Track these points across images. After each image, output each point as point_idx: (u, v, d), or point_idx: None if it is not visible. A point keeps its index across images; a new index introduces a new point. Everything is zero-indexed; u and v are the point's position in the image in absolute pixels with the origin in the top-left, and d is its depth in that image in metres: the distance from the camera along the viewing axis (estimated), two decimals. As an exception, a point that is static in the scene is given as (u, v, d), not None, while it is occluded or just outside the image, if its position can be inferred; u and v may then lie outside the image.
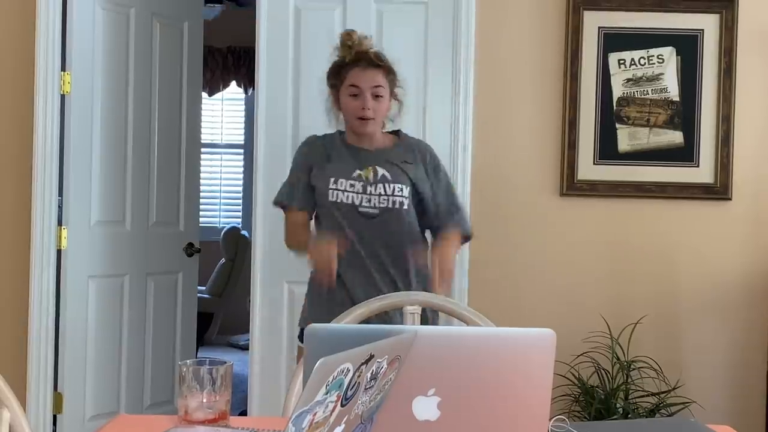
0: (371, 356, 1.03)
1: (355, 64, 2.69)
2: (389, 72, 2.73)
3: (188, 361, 1.55)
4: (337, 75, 2.74)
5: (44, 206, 3.43)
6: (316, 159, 2.76)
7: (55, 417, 3.49)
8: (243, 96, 7.36)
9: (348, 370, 0.98)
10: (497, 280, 3.47)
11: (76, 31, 3.49)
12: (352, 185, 2.67)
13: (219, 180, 7.49)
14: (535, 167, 3.49)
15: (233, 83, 7.28)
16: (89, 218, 3.61)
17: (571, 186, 3.47)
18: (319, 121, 3.50)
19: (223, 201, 7.55)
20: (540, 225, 3.49)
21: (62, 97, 3.48)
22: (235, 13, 6.54)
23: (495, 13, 3.48)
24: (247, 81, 7.15)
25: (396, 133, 2.83)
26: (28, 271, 3.42)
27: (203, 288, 6.14)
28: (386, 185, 2.67)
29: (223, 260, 6.51)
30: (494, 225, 3.48)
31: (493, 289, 3.46)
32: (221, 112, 7.50)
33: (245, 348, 6.87)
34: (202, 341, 6.12)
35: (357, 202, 2.66)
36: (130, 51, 3.77)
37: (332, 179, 2.69)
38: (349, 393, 1.01)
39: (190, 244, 4.13)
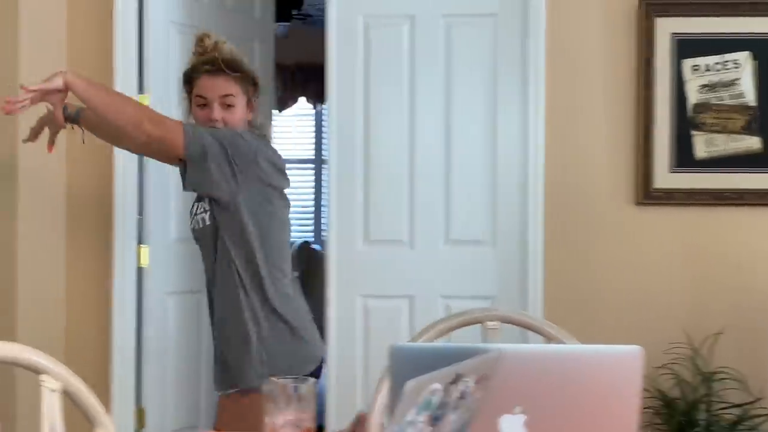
0: (458, 376, 1.05)
1: (204, 71, 2.53)
2: (243, 79, 2.56)
3: (273, 378, 1.58)
4: (187, 83, 2.59)
5: (125, 225, 3.52)
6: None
7: (138, 432, 3.57)
8: (312, 111, 7.44)
9: (437, 391, 0.99)
10: (572, 291, 3.44)
11: (153, 53, 3.58)
12: (196, 207, 2.61)
13: (291, 195, 7.58)
14: (609, 176, 3.45)
15: (302, 99, 7.36)
16: (168, 236, 3.69)
17: (647, 194, 3.42)
18: (391, 136, 3.55)
19: (294, 215, 7.63)
20: (616, 235, 3.45)
21: (140, 118, 3.57)
22: (301, 30, 6.62)
23: (565, 22, 3.46)
24: (316, 96, 7.23)
25: None
26: (110, 288, 3.50)
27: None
28: (196, 204, 2.63)
29: (296, 274, 6.57)
30: (568, 235, 3.45)
31: (568, 300, 3.43)
32: (291, 128, 7.59)
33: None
34: (276, 355, 6.18)
35: (190, 227, 2.65)
36: (203, 72, 3.85)
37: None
38: (438, 413, 1.02)
39: (265, 260, 4.18)
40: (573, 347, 1.34)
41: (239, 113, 2.54)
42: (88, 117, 2.60)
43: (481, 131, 3.51)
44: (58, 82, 2.34)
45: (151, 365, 3.59)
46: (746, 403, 3.23)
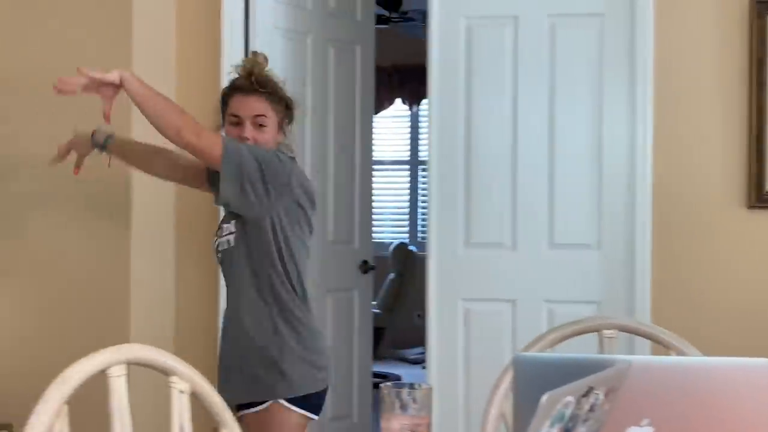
0: (590, 389, 1.04)
1: (238, 90, 2.60)
2: (276, 101, 2.62)
3: (389, 383, 1.60)
4: (222, 102, 2.67)
5: (230, 227, 3.59)
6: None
7: (243, 429, 3.64)
8: (408, 113, 7.46)
9: (570, 403, 0.99)
10: (680, 297, 3.36)
11: (258, 59, 3.65)
12: (220, 228, 2.67)
13: (386, 196, 7.63)
14: (719, 179, 3.36)
15: (398, 101, 7.40)
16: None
17: (760, 197, 3.32)
18: (493, 138, 3.54)
19: (389, 217, 7.68)
20: (726, 239, 3.35)
21: (246, 122, 3.64)
22: (398, 32, 6.65)
23: (674, 21, 3.38)
24: (412, 98, 7.25)
25: None
26: (217, 282, 3.58)
27: (373, 303, 6.26)
28: (223, 225, 2.66)
29: (392, 275, 6.61)
30: (677, 239, 3.38)
31: (676, 306, 3.35)
32: (387, 130, 7.64)
33: (415, 362, 6.95)
34: (373, 355, 6.24)
35: (216, 247, 2.68)
36: (307, 76, 3.91)
37: (219, 226, 2.69)
38: (569, 425, 1.01)
39: (365, 262, 4.23)
40: (701, 359, 1.31)
41: (270, 134, 2.59)
42: (118, 144, 2.73)
43: (586, 133, 3.47)
44: (114, 76, 2.43)
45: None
46: None
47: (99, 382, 1.31)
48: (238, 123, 2.57)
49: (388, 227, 7.65)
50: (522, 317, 3.48)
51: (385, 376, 6.51)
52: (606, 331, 1.70)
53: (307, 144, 3.92)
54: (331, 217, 4.04)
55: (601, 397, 1.07)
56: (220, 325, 2.78)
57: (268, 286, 2.57)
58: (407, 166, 7.53)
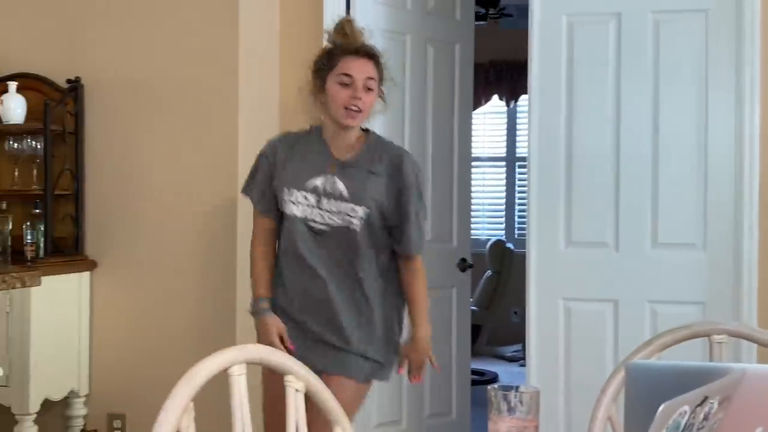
0: (706, 398, 1.04)
1: (350, 51, 2.57)
2: (381, 66, 2.61)
3: (496, 385, 1.61)
4: (327, 60, 2.59)
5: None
6: (277, 158, 2.63)
7: (345, 424, 3.71)
8: (505, 109, 7.43)
9: (685, 413, 0.99)
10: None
11: (359, 60, 3.70)
12: (305, 197, 2.55)
13: (482, 193, 7.61)
14: (831, 179, 3.26)
15: (495, 97, 7.38)
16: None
17: None
18: (595, 135, 3.50)
19: (486, 213, 7.66)
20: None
21: (347, 122, 3.70)
22: (496, 28, 6.63)
23: (783, 16, 3.29)
24: (509, 94, 7.22)
25: (365, 131, 2.67)
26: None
27: (470, 300, 6.26)
28: (342, 203, 2.53)
29: (488, 273, 6.60)
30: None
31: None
32: (483, 126, 7.62)
33: (512, 359, 6.93)
34: (471, 352, 6.25)
35: (309, 216, 2.54)
36: (406, 75, 3.94)
37: (286, 189, 2.56)
38: (684, 434, 1.02)
39: (463, 260, 4.24)
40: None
41: (374, 98, 2.59)
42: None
43: (691, 131, 3.41)
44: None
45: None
46: None
47: (216, 381, 1.36)
48: (349, 84, 2.54)
49: (485, 224, 7.64)
50: (624, 317, 3.45)
51: (482, 374, 6.52)
52: (716, 336, 1.68)
53: (406, 143, 3.96)
54: (429, 215, 4.06)
55: (716, 406, 1.07)
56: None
57: (386, 262, 2.67)
58: (504, 163, 7.50)
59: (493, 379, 6.47)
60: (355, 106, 2.53)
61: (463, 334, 4.26)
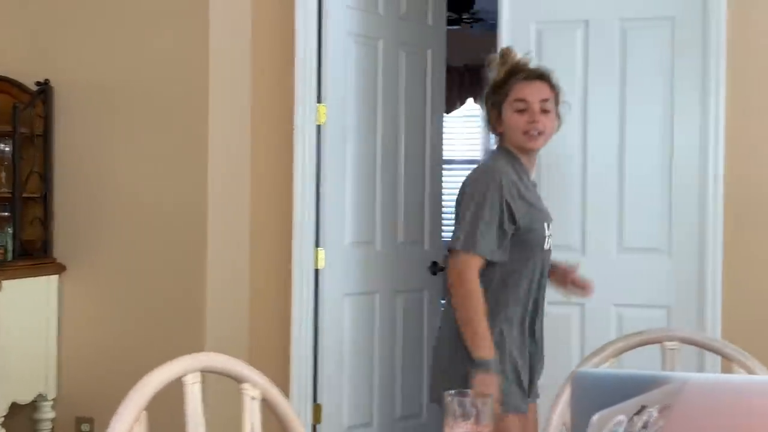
0: (643, 407, 1.07)
1: (520, 78, 2.55)
2: (554, 86, 2.58)
3: (452, 391, 1.64)
4: (499, 91, 2.57)
5: (303, 229, 3.68)
6: (512, 194, 2.48)
7: (315, 427, 3.73)
8: (480, 112, 7.47)
9: (622, 422, 1.02)
10: (753, 302, 3.32)
11: (331, 64, 3.72)
12: (550, 229, 2.58)
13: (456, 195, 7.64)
14: (794, 185, 3.31)
15: (470, 100, 7.40)
16: (343, 239, 3.83)
17: (837, 204, 3.26)
18: (563, 141, 3.53)
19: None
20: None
21: (318, 127, 3.71)
22: (469, 32, 6.66)
23: (747, 24, 3.34)
24: (484, 97, 7.25)
25: None
26: (290, 289, 3.68)
27: (442, 302, 6.28)
28: (550, 224, 2.60)
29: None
30: (749, 244, 3.33)
31: (748, 312, 3.31)
32: (458, 129, 7.65)
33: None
34: (443, 354, 6.26)
35: (550, 249, 2.60)
36: (378, 79, 3.97)
37: (545, 225, 2.54)
38: (622, 442, 1.04)
39: (434, 263, 4.27)
40: (756, 378, 1.32)
41: (553, 119, 2.56)
42: None
43: (657, 137, 3.45)
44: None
45: (327, 363, 3.73)
46: None
47: (174, 388, 1.38)
48: (524, 109, 2.51)
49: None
50: (590, 321, 3.48)
51: (455, 375, 6.53)
52: (668, 343, 1.71)
53: (378, 146, 3.98)
54: (401, 218, 4.10)
55: (655, 414, 1.10)
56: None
57: None
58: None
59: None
60: (534, 129, 2.51)
61: (434, 336, 4.27)
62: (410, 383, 4.08)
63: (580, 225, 3.51)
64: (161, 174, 3.55)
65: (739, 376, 1.18)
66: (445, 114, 7.34)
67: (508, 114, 2.54)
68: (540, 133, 2.52)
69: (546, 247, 2.56)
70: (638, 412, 1.05)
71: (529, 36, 3.57)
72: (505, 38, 3.58)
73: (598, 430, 0.97)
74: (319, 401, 3.71)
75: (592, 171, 3.50)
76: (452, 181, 7.53)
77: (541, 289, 2.60)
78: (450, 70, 7.18)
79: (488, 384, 2.35)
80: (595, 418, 0.96)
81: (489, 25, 6.08)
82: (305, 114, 3.67)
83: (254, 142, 3.73)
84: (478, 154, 7.54)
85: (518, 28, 3.57)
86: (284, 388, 3.63)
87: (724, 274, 3.33)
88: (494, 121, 2.60)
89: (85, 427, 3.60)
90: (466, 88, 7.33)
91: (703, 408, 1.19)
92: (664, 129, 3.43)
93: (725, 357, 1.68)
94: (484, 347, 2.38)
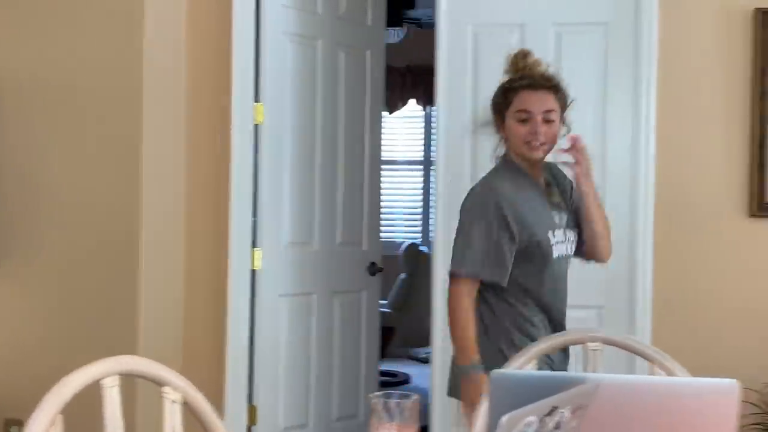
0: (554, 408, 1.09)
1: (524, 86, 2.51)
2: (560, 93, 2.54)
3: (378, 393, 1.65)
4: (503, 97, 2.55)
5: (239, 229, 3.66)
6: (509, 211, 2.48)
7: (249, 429, 3.71)
8: (422, 113, 7.50)
9: (532, 423, 1.03)
10: (682, 304, 3.39)
11: (268, 64, 3.71)
12: (563, 233, 2.53)
13: (399, 196, 7.67)
14: (721, 188, 3.39)
15: (412, 101, 7.43)
16: (281, 240, 3.82)
17: (761, 206, 3.35)
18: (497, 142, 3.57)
19: (402, 217, 7.72)
20: (728, 247, 3.38)
21: (255, 126, 3.70)
22: (413, 33, 6.68)
23: (678, 30, 3.41)
24: (426, 99, 7.28)
25: None
26: (225, 290, 3.65)
27: (384, 302, 6.30)
28: (568, 232, 2.55)
29: (403, 275, 6.66)
30: (678, 247, 3.41)
31: (677, 313, 3.39)
32: (400, 130, 7.68)
33: (425, 361, 6.99)
34: (383, 354, 6.29)
35: (563, 252, 2.53)
36: (317, 80, 3.96)
37: (549, 233, 2.49)
38: (534, 443, 1.06)
39: (373, 263, 4.28)
40: (669, 379, 1.35)
41: (556, 129, 2.52)
42: None
43: (589, 140, 3.46)
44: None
45: (263, 364, 3.72)
46: None
47: (97, 390, 1.36)
48: (527, 119, 2.48)
49: (402, 227, 7.70)
50: None
51: (394, 375, 6.56)
52: (591, 344, 1.74)
53: (317, 146, 3.98)
54: (339, 219, 4.10)
55: (567, 415, 1.11)
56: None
57: None
58: (421, 167, 7.56)
59: (405, 380, 6.52)
60: (536, 141, 2.48)
61: (371, 337, 4.30)
62: (347, 384, 4.08)
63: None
64: (95, 173, 3.50)
65: (652, 378, 1.21)
66: (387, 114, 7.42)
67: (511, 123, 2.52)
68: (542, 144, 2.49)
69: (556, 255, 2.52)
70: (549, 413, 1.07)
71: (466, 38, 3.60)
72: (442, 40, 3.61)
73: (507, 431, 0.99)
74: (254, 402, 3.70)
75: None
76: (393, 182, 7.59)
77: (561, 299, 2.59)
78: (392, 71, 7.21)
79: (473, 389, 2.36)
80: (504, 419, 0.97)
81: (431, 26, 6.11)
82: (242, 113, 3.65)
83: (190, 141, 3.70)
84: (420, 154, 7.58)
85: (455, 31, 3.60)
86: (219, 389, 3.61)
87: (655, 275, 3.40)
88: (498, 126, 2.59)
89: (14, 429, 3.53)
90: (408, 89, 7.36)
91: (616, 408, 1.21)
92: (596, 132, 3.48)
93: (645, 358, 1.72)
94: (462, 357, 2.43)
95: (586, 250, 2.60)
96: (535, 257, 2.49)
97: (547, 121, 2.49)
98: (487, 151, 3.54)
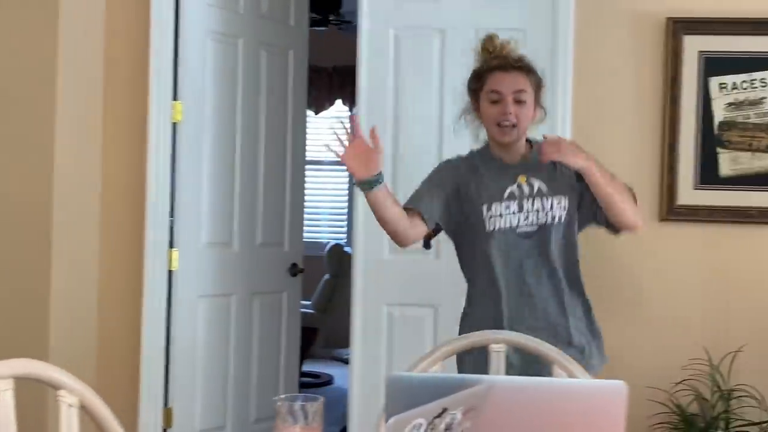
0: (444, 410, 1.10)
1: (496, 67, 2.56)
2: (532, 74, 2.57)
3: (282, 396, 1.65)
4: (477, 80, 2.60)
5: (156, 229, 3.61)
6: (462, 179, 2.60)
7: (165, 431, 3.67)
8: (348, 114, 7.52)
9: (420, 425, 1.05)
10: (594, 305, 3.46)
11: (188, 62, 3.67)
12: (507, 207, 2.54)
13: (324, 196, 7.67)
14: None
15: (338, 102, 7.44)
16: (199, 240, 3.78)
17: (671, 211, 3.44)
18: (420, 145, 3.60)
19: (327, 217, 7.72)
20: (638, 250, 3.46)
21: (174, 125, 3.66)
22: (339, 33, 6.69)
23: (593, 38, 3.49)
24: (352, 99, 7.29)
25: (529, 142, 2.65)
26: (141, 291, 3.60)
27: (308, 303, 6.29)
28: (543, 199, 2.54)
29: (327, 276, 6.66)
30: (590, 249, 3.46)
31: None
32: (327, 130, 7.68)
33: (348, 361, 7.00)
34: (307, 355, 6.27)
35: (515, 224, 2.54)
36: (238, 79, 3.93)
37: (485, 207, 2.54)
38: (424, 445, 1.07)
39: (294, 264, 4.27)
40: (559, 381, 1.39)
41: (529, 110, 2.55)
42: (386, 190, 2.56)
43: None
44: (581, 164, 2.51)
45: (179, 366, 3.68)
46: (764, 422, 3.24)
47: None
48: (498, 101, 2.53)
49: (327, 228, 7.70)
50: (443, 322, 3.55)
51: (317, 376, 6.56)
52: (494, 346, 1.77)
53: (237, 146, 3.95)
54: (260, 219, 4.08)
55: (459, 416, 1.13)
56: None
57: None
58: (345, 167, 7.58)
59: (329, 381, 6.52)
60: (506, 121, 2.51)
61: (292, 338, 4.28)
62: (266, 385, 4.06)
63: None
64: (5, 169, 3.42)
65: (543, 379, 1.23)
66: (313, 115, 7.41)
67: (484, 105, 2.57)
68: (513, 126, 2.52)
69: (490, 228, 2.54)
70: (439, 415, 1.08)
71: (389, 41, 3.62)
72: (365, 42, 3.62)
73: (394, 434, 1.00)
74: (170, 405, 3.65)
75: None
76: (319, 182, 7.59)
77: (519, 277, 2.57)
78: (319, 71, 7.22)
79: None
80: (391, 422, 0.98)
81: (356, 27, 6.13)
82: (160, 111, 3.61)
83: (106, 138, 3.64)
84: (345, 155, 7.60)
85: (378, 33, 3.61)
86: (134, 391, 3.56)
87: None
88: (474, 111, 2.63)
89: None
90: (335, 89, 7.37)
91: (508, 410, 1.23)
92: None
93: (547, 359, 1.75)
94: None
95: (610, 221, 2.62)
96: (467, 231, 2.59)
97: (518, 101, 2.53)
98: (409, 152, 3.61)
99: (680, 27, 3.41)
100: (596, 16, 3.49)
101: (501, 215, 2.55)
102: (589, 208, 2.62)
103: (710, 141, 3.41)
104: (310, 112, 7.29)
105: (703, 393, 3.28)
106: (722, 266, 3.44)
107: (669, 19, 3.41)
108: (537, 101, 2.59)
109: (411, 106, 3.62)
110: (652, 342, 3.43)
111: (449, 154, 3.52)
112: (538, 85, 2.59)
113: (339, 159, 2.53)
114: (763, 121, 3.38)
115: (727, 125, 3.40)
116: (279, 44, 4.16)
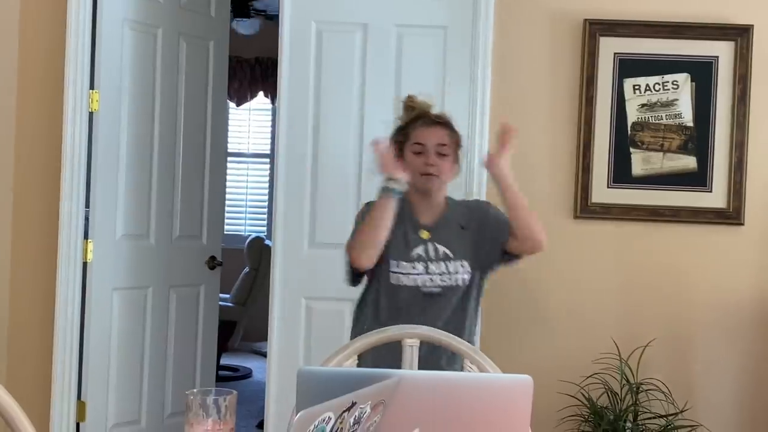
0: (353, 404, 1.11)
1: (420, 122, 2.76)
2: (452, 131, 2.78)
3: (195, 390, 1.64)
4: (401, 133, 2.79)
5: (71, 220, 3.54)
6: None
7: (78, 425, 3.60)
8: (270, 106, 7.47)
9: (329, 419, 1.05)
10: (508, 300, 3.52)
11: (105, 51, 3.60)
12: (414, 267, 2.69)
13: (245, 189, 7.61)
14: (549, 190, 3.54)
15: (260, 93, 7.39)
16: (115, 232, 3.72)
17: (585, 209, 3.52)
18: (340, 139, 3.61)
19: (248, 210, 7.67)
20: (552, 247, 3.51)
21: (90, 114, 3.59)
22: (262, 26, 6.64)
23: (512, 38, 3.54)
24: (274, 91, 7.25)
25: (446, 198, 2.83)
26: (54, 282, 3.53)
27: (227, 296, 6.24)
28: (448, 263, 2.70)
29: (247, 269, 6.61)
30: (508, 246, 3.53)
31: (503, 309, 3.51)
32: (248, 122, 7.62)
33: (267, 355, 6.98)
34: (225, 348, 6.23)
35: (419, 284, 2.70)
36: (157, 69, 3.88)
37: (393, 262, 2.70)
38: (334, 438, 1.08)
39: (213, 257, 4.23)
40: (467, 375, 1.41)
41: (450, 163, 2.74)
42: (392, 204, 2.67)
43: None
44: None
45: (93, 359, 3.62)
46: (671, 414, 3.34)
47: None
48: (422, 152, 2.71)
49: (249, 220, 7.64)
50: (283, 313, 3.59)
51: (236, 369, 6.52)
52: (408, 340, 1.79)
53: (155, 137, 3.89)
54: (178, 212, 4.03)
55: (368, 410, 1.14)
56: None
57: None
58: (267, 160, 7.53)
59: (248, 375, 6.49)
60: (430, 168, 2.70)
61: (209, 331, 4.24)
62: (182, 379, 4.02)
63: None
64: None
65: (452, 373, 1.26)
66: (235, 107, 7.34)
67: (409, 156, 2.74)
68: (436, 175, 2.71)
69: (395, 282, 2.69)
70: (348, 409, 1.09)
71: (310, 34, 3.61)
72: (285, 35, 3.60)
73: (302, 428, 1.00)
74: (83, 398, 3.59)
75: (367, 167, 3.57)
76: (241, 174, 7.53)
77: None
78: (241, 63, 7.16)
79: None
80: (297, 417, 0.99)
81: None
82: (76, 100, 3.54)
83: (19, 127, 3.55)
84: (267, 147, 7.55)
85: (299, 26, 3.60)
86: (47, 384, 3.49)
87: (486, 273, 3.50)
88: (398, 159, 2.75)
89: None
90: (257, 82, 7.31)
91: (417, 403, 1.25)
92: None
93: (458, 353, 1.78)
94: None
95: (517, 242, 2.74)
96: (374, 274, 2.74)
97: (440, 155, 2.72)
98: (329, 145, 3.62)
99: (597, 28, 3.49)
100: (516, 14, 3.55)
101: (407, 274, 2.71)
102: (499, 246, 2.78)
103: (624, 141, 3.50)
104: (231, 104, 7.22)
105: (613, 386, 3.37)
106: (634, 263, 3.53)
107: (586, 20, 3.49)
108: (455, 158, 2.77)
109: (332, 100, 3.62)
110: (565, 336, 3.51)
111: (367, 154, 3.56)
112: (457, 143, 2.78)
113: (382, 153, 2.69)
114: (674, 122, 3.49)
115: (640, 126, 3.50)
116: (199, 35, 4.11)
